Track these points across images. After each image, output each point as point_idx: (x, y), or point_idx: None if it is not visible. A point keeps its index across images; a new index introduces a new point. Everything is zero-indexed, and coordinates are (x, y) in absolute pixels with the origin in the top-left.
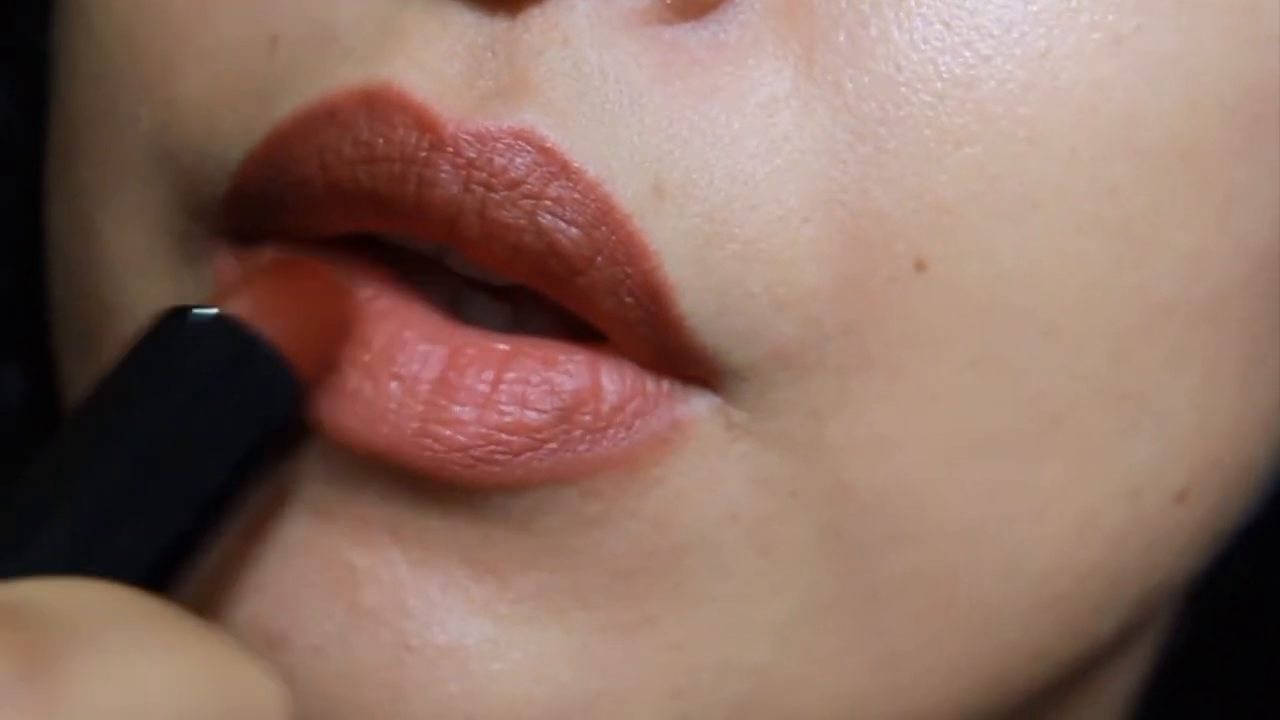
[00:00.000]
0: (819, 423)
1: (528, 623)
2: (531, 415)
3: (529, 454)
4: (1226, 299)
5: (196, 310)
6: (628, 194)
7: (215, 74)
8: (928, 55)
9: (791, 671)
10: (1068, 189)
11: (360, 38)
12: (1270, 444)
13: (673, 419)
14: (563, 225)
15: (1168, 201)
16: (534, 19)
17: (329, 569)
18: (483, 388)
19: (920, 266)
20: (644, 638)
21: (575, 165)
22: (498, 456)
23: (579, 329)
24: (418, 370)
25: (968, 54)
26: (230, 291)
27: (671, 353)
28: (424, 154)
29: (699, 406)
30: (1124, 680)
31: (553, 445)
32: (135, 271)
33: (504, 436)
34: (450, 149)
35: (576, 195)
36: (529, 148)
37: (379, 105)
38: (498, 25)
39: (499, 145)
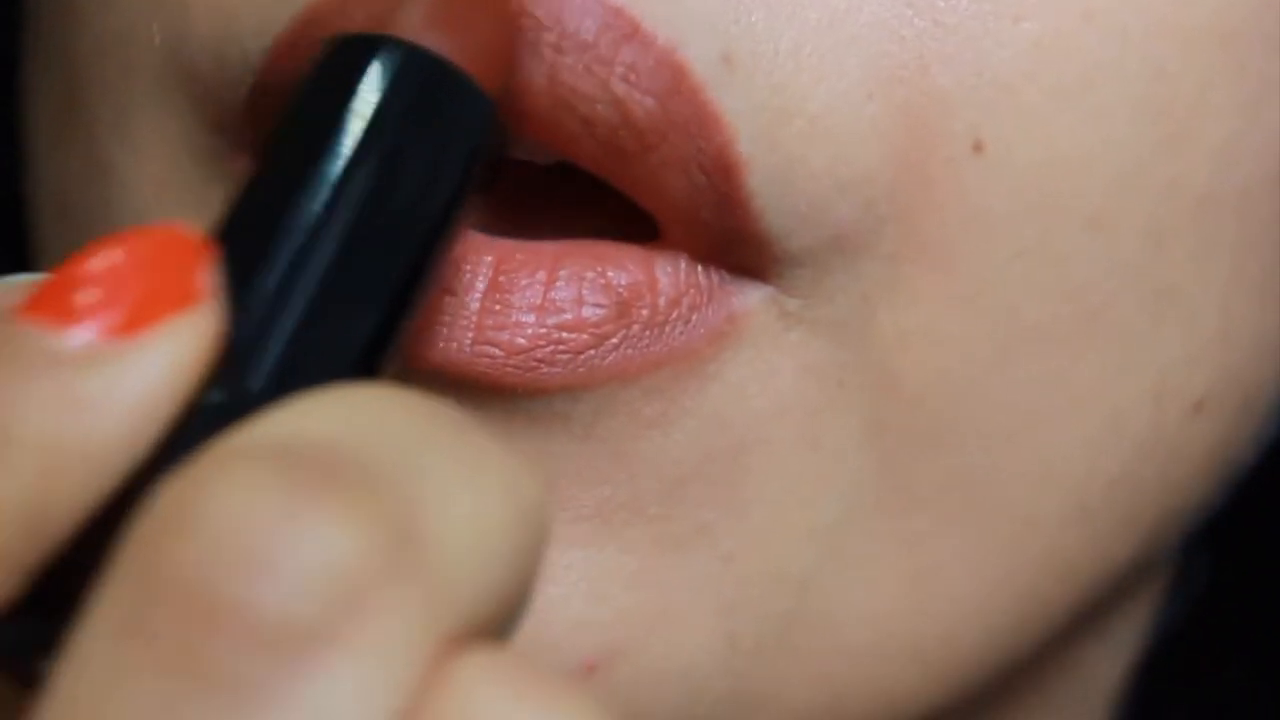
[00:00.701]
0: (869, 309)
1: (584, 544)
2: (590, 311)
3: (591, 351)
4: (1254, 194)
5: (367, 40)
6: (699, 63)
7: None
8: None
9: (831, 584)
10: (1120, 69)
11: None
12: None
13: (728, 312)
14: (637, 95)
15: (1208, 88)
16: None
17: None
18: (537, 288)
19: (978, 148)
20: (698, 549)
21: (647, 28)
22: (559, 356)
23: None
24: (469, 280)
25: None
26: (391, 14)
27: (733, 238)
28: None
29: (752, 298)
30: (1112, 661)
31: (614, 341)
32: (158, 205)
33: (565, 335)
34: (514, 6)
35: (650, 62)
36: (598, 8)
37: None
38: None
39: (568, 5)
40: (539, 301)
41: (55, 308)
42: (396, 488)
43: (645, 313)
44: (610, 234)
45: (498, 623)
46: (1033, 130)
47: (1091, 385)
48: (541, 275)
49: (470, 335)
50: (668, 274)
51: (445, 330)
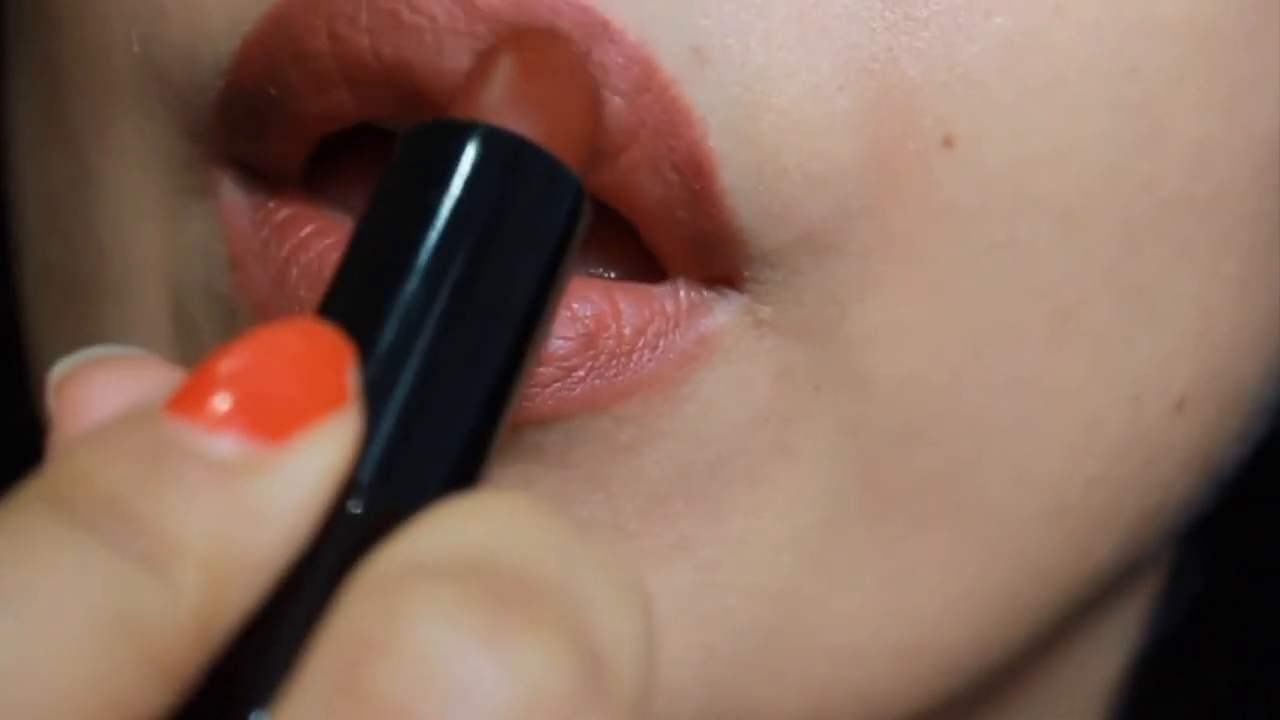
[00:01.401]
0: (840, 309)
1: None
2: (555, 344)
3: (557, 384)
4: (1231, 193)
5: (451, 127)
6: (670, 58)
7: None
8: None
9: (809, 590)
10: (1092, 65)
11: None
12: (1269, 365)
13: (698, 333)
14: (606, 94)
15: (1183, 85)
16: None
17: None
18: None
19: (948, 142)
20: (678, 561)
21: (616, 25)
22: (528, 391)
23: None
24: None
25: None
26: (471, 95)
27: (707, 241)
28: (462, 25)
29: (723, 315)
30: (1104, 662)
31: (581, 373)
32: (134, 211)
33: None
34: (490, 17)
35: (620, 60)
36: (567, 7)
37: None
38: None
39: (539, 6)
40: None
41: (202, 407)
42: (577, 609)
43: (611, 343)
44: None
45: None
46: (1004, 126)
47: (1067, 384)
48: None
49: None
50: (630, 304)
51: None
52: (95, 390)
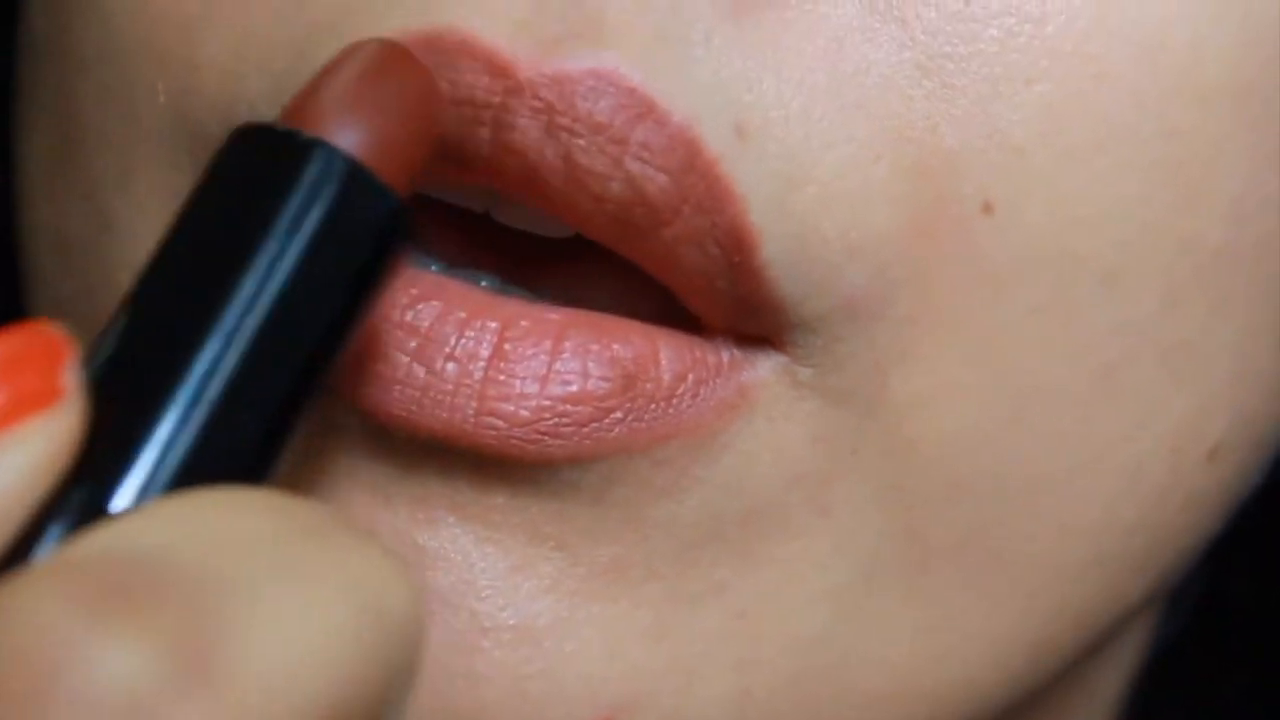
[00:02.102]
0: (882, 375)
1: (598, 598)
2: (595, 384)
3: (595, 424)
4: (1268, 246)
5: (274, 133)
6: (713, 136)
7: (243, 30)
8: None
9: (848, 641)
10: (1132, 130)
11: None
12: None
13: (738, 384)
14: (651, 172)
15: (1222, 145)
16: None
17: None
18: (541, 359)
19: (987, 209)
20: (711, 606)
21: (661, 107)
22: (564, 429)
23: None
24: (472, 347)
25: None
26: (303, 105)
27: (747, 306)
28: (499, 98)
29: (764, 370)
30: (1116, 674)
31: (619, 414)
32: None
33: (568, 408)
34: (529, 93)
35: (664, 139)
36: (612, 89)
37: (446, 49)
38: None
39: (580, 88)
40: (544, 372)
41: None
42: (199, 601)
43: (650, 386)
44: (620, 306)
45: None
46: (1042, 191)
47: (1109, 440)
48: (547, 345)
49: (474, 405)
50: (670, 350)
51: (449, 399)
52: None
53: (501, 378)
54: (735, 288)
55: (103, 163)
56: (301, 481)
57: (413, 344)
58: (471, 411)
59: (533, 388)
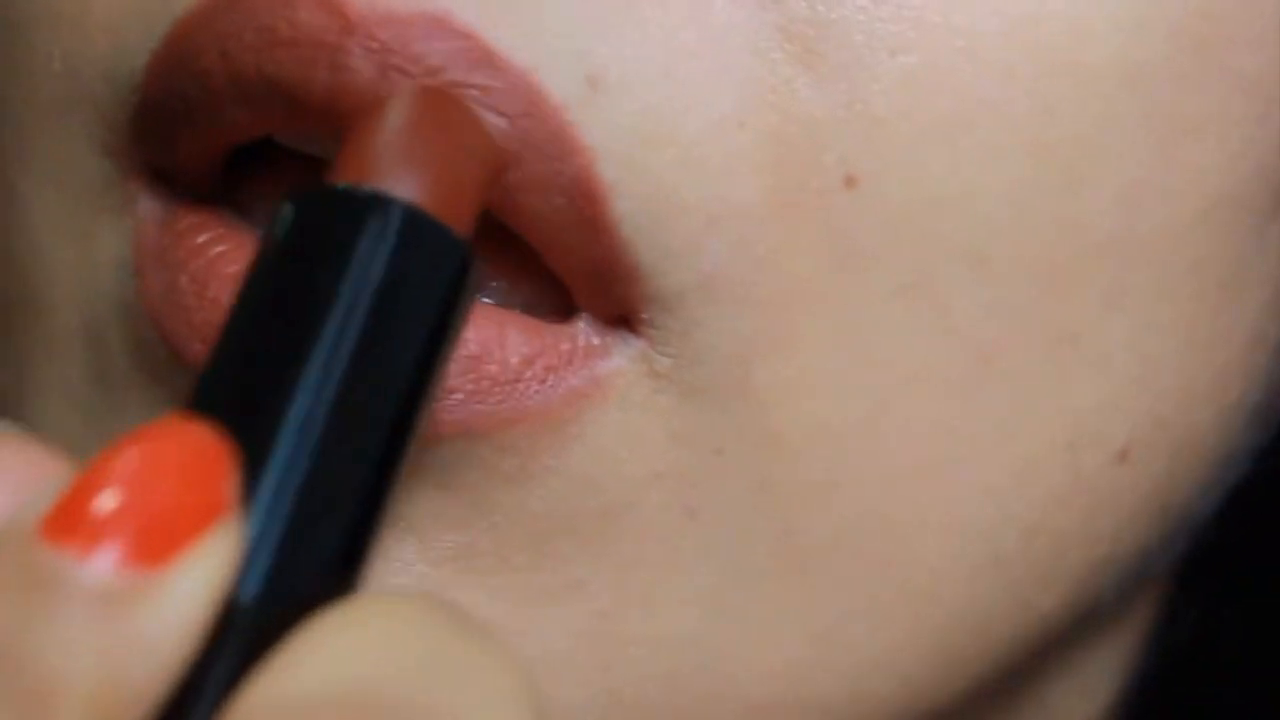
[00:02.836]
0: (744, 366)
1: (450, 585)
2: None
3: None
4: (1172, 238)
5: (330, 191)
6: (559, 85)
7: None
8: None
9: (722, 643)
10: (1004, 106)
11: None
12: (1225, 414)
13: (592, 374)
14: (492, 116)
15: (1109, 128)
16: None
17: None
18: None
19: (850, 182)
20: (571, 603)
21: (501, 53)
22: None
23: (485, 293)
24: None
25: None
26: (355, 160)
27: (602, 268)
28: (333, 38)
29: (620, 359)
30: (1084, 702)
31: (459, 395)
32: (50, 229)
33: None
34: (362, 33)
35: (503, 85)
36: (447, 32)
37: None
38: None
39: (414, 30)
40: None
41: (78, 528)
42: None
43: (494, 369)
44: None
45: None
46: (907, 166)
47: (992, 431)
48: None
49: None
50: (520, 334)
51: None
52: None
53: None
54: (588, 246)
55: (6, 137)
56: None
57: None
58: None
59: None
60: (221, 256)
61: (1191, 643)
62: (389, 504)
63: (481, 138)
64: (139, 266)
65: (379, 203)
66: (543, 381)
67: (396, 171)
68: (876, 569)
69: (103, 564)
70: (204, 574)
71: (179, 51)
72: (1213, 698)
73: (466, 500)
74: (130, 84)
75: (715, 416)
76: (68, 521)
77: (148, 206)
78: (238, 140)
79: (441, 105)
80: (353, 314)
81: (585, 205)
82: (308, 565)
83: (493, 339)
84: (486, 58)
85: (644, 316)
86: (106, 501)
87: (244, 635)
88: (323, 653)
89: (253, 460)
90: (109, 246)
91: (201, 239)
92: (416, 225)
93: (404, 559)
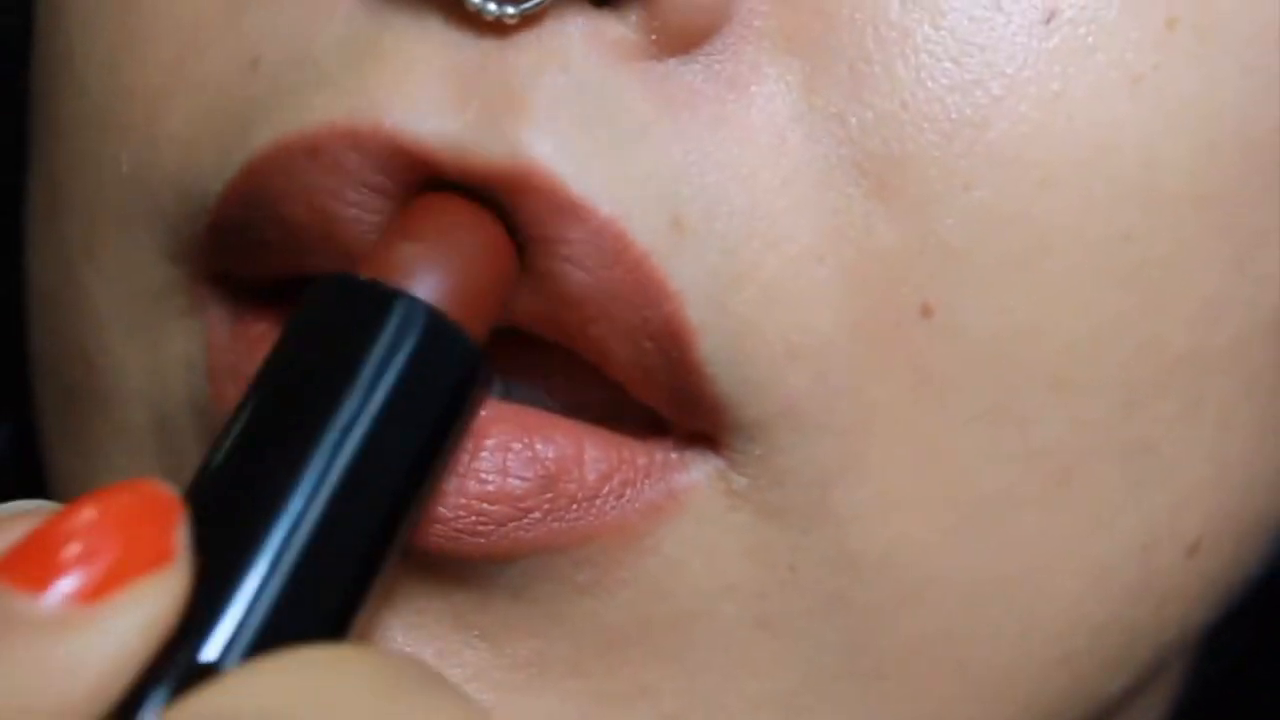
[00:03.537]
0: (823, 490)
1: (523, 690)
2: (514, 483)
3: (513, 524)
4: (1245, 348)
5: (358, 282)
6: (644, 230)
7: (200, 105)
8: (935, 93)
9: None
10: (1081, 235)
11: (340, 61)
12: None
13: (668, 487)
14: (569, 269)
15: (1185, 248)
16: (526, 41)
17: None
18: (461, 456)
19: (926, 312)
20: (641, 708)
21: (587, 203)
22: (480, 527)
23: (566, 405)
24: None
25: (978, 93)
26: (383, 256)
27: (688, 401)
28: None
29: (698, 474)
30: None
31: (537, 515)
32: (119, 327)
33: (485, 506)
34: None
35: (587, 235)
36: (530, 187)
37: (365, 144)
38: (486, 46)
39: (503, 184)
40: (461, 471)
41: (31, 569)
42: None
43: (572, 486)
44: (569, 394)
45: None
46: (983, 295)
47: (1069, 543)
48: (468, 442)
49: None
50: (598, 449)
51: None
52: None
53: None
54: (674, 381)
55: (73, 227)
56: None
57: None
58: None
59: (451, 484)
60: None
61: (1222, 686)
62: (370, 596)
63: (500, 244)
64: (212, 374)
65: (399, 299)
66: (620, 496)
67: (420, 272)
68: (949, 676)
69: (47, 599)
70: (138, 613)
71: (254, 192)
72: None
73: (541, 611)
74: (201, 204)
75: (791, 535)
76: (21, 562)
77: (217, 311)
78: (317, 272)
79: (465, 212)
80: (358, 404)
81: (673, 348)
82: (278, 624)
83: (570, 457)
84: (572, 207)
85: (724, 440)
86: (60, 542)
87: (191, 679)
88: (246, 681)
89: (244, 540)
90: (176, 345)
91: None
92: (432, 324)
93: (478, 665)
